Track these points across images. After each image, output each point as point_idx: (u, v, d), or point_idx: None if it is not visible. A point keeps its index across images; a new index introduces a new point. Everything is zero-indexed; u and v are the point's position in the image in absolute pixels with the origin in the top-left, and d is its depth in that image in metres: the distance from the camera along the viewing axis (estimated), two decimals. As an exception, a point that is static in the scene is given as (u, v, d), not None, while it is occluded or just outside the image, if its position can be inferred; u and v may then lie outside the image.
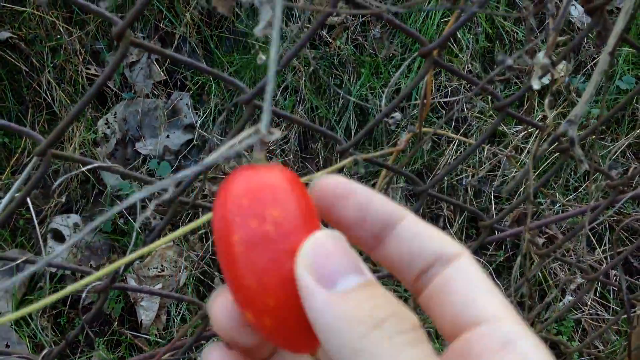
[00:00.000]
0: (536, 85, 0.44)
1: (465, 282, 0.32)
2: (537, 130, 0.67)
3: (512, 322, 0.30)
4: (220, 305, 0.31)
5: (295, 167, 2.18)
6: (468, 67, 2.18)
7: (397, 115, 0.53)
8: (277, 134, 0.29)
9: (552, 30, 0.40)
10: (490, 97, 2.10)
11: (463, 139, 0.82)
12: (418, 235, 0.33)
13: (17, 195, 0.49)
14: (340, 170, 0.50)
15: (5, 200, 0.49)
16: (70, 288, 0.35)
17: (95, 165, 0.48)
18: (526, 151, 2.00)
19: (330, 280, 0.28)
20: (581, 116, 0.54)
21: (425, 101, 0.56)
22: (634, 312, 0.95)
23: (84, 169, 0.45)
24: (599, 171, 0.64)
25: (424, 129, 0.64)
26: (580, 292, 0.73)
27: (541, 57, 0.40)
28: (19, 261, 0.53)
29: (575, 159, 0.57)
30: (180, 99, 2.34)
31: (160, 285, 2.04)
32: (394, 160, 0.65)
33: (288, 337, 0.30)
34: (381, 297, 0.28)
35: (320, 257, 0.28)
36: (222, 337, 0.31)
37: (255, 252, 0.29)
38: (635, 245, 0.74)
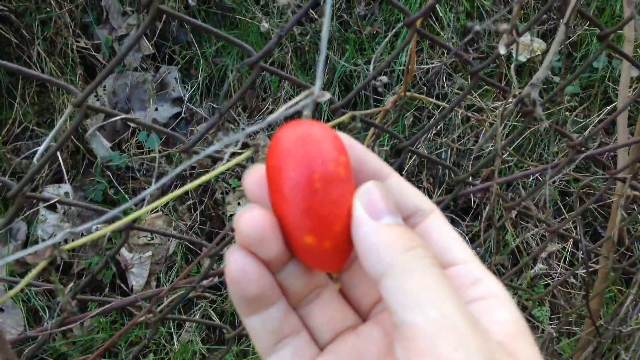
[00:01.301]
0: (502, 51, 0.52)
1: (441, 233, 0.41)
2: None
3: (478, 266, 0.40)
4: (254, 178, 0.38)
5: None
6: (449, 44, 2.26)
7: (384, 78, 0.61)
8: (328, 95, 0.37)
9: (516, 1, 0.48)
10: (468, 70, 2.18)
11: (442, 104, 0.90)
12: (402, 191, 0.41)
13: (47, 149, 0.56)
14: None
15: (42, 148, 0.56)
16: (90, 236, 0.40)
17: (122, 116, 0.55)
18: (510, 127, 2.09)
19: (378, 215, 0.36)
20: (542, 80, 0.62)
21: (410, 67, 0.64)
22: (592, 268, 1.04)
23: (113, 119, 0.52)
24: (558, 132, 0.73)
25: (408, 94, 0.72)
26: (543, 244, 0.82)
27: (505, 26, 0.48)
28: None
29: (537, 119, 0.65)
30: (169, 73, 2.39)
31: (150, 253, 2.10)
32: (381, 121, 0.73)
33: (334, 257, 0.37)
34: (413, 234, 0.36)
35: (373, 197, 0.37)
36: (254, 202, 0.38)
37: (331, 188, 0.36)
38: (594, 199, 0.83)
